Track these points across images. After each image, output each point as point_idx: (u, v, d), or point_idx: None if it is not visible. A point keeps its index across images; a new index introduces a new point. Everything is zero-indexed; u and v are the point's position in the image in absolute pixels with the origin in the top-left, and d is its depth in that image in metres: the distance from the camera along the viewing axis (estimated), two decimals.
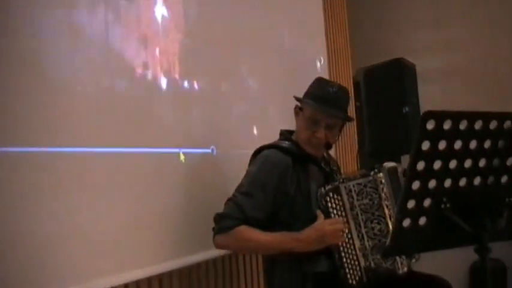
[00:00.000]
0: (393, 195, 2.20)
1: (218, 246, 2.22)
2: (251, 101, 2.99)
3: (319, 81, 2.37)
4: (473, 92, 4.88)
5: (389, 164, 2.25)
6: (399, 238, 1.38)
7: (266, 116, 3.10)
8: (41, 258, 1.73)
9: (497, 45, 4.93)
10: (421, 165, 1.33)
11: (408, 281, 2.23)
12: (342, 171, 2.63)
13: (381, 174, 2.17)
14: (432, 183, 1.36)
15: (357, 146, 4.61)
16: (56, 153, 1.80)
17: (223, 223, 2.14)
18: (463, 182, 1.41)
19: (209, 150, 2.57)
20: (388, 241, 1.40)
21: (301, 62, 3.59)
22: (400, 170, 2.29)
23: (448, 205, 1.40)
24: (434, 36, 5.27)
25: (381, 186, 2.16)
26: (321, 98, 2.24)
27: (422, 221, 1.40)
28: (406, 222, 1.37)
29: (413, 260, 2.26)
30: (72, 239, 1.84)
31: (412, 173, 1.32)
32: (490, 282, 1.49)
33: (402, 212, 1.36)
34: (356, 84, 3.48)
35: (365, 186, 2.17)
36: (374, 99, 3.39)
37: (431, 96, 4.50)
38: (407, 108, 3.25)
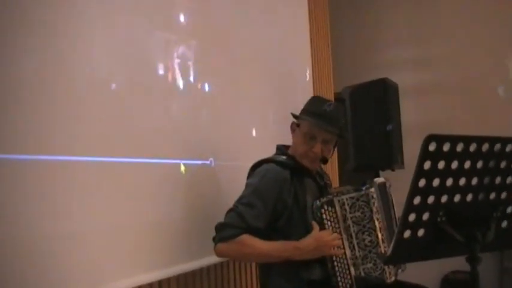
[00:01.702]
0: (383, 209, 2.35)
1: (220, 254, 2.31)
2: (247, 116, 3.12)
3: (315, 99, 2.52)
4: (452, 109, 5.09)
5: (379, 180, 2.40)
6: (400, 248, 1.52)
7: (261, 131, 3.23)
8: (42, 264, 1.80)
9: (477, 63, 5.14)
10: (422, 182, 1.47)
11: None
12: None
13: (372, 189, 2.31)
14: (431, 199, 1.50)
15: (337, 161, 4.78)
16: (58, 162, 1.88)
17: (225, 232, 2.24)
18: (457, 198, 1.55)
19: (208, 162, 2.68)
20: (390, 250, 1.53)
21: (291, 79, 3.75)
22: (388, 185, 2.45)
23: (444, 219, 1.55)
24: (414, 54, 5.48)
25: (372, 200, 2.29)
26: (318, 115, 2.38)
27: (420, 232, 1.54)
28: (407, 234, 1.51)
29: (400, 270, 2.41)
30: (74, 246, 1.92)
31: (414, 189, 1.46)
32: None
33: (404, 224, 1.50)
34: (341, 102, 3.62)
35: (357, 199, 2.31)
36: (359, 117, 3.54)
37: (412, 112, 4.69)
38: (390, 126, 3.40)
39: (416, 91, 5.31)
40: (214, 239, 2.29)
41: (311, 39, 4.39)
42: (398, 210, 2.45)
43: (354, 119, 3.53)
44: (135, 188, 2.23)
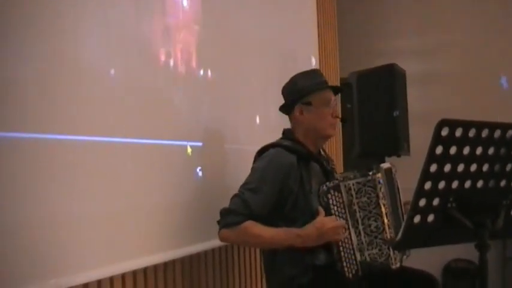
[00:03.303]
0: (389, 195, 2.34)
1: (223, 239, 2.32)
2: (254, 99, 3.12)
3: (302, 74, 2.51)
4: (457, 98, 5.08)
5: (385, 165, 2.39)
6: (410, 233, 1.52)
7: (267, 114, 3.22)
8: (46, 244, 1.78)
9: (482, 52, 5.13)
10: (433, 168, 1.46)
11: (400, 275, 2.37)
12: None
13: (379, 175, 2.29)
14: (442, 184, 1.49)
15: (342, 147, 4.77)
16: (64, 141, 1.87)
17: (229, 218, 2.24)
18: (467, 184, 1.54)
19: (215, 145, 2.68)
20: (400, 235, 1.53)
21: (297, 66, 3.72)
22: (394, 170, 2.43)
23: (453, 205, 1.54)
24: (419, 42, 5.46)
25: (379, 186, 2.28)
26: (320, 82, 2.45)
27: (430, 218, 1.53)
28: (417, 219, 1.51)
29: (405, 257, 2.40)
30: (79, 227, 1.91)
31: (425, 174, 1.45)
32: (485, 277, 1.62)
33: (414, 209, 1.49)
34: (347, 86, 3.60)
35: (364, 185, 2.30)
36: (365, 102, 3.52)
37: (417, 100, 4.67)
38: (397, 112, 3.38)
39: (422, 79, 5.28)
40: (218, 223, 2.28)
41: (318, 26, 4.37)
42: (403, 197, 2.45)
43: (360, 105, 3.50)
44: (139, 169, 2.22)
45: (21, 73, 1.73)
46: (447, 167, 1.47)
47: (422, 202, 1.49)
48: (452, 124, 1.42)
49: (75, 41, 1.94)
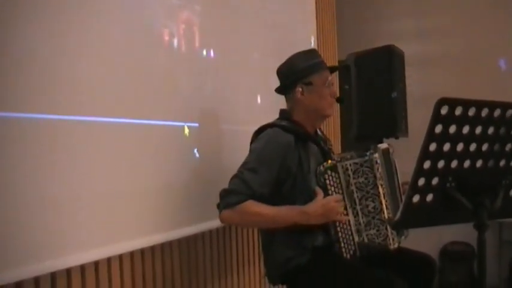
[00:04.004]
0: (386, 175, 2.32)
1: (225, 221, 2.28)
2: (253, 81, 3.10)
3: (300, 55, 2.49)
4: (456, 80, 5.06)
5: (383, 146, 2.38)
6: (409, 212, 1.51)
7: (266, 95, 3.19)
8: (44, 225, 1.78)
9: (481, 34, 5.10)
10: (432, 147, 1.44)
11: (398, 256, 2.37)
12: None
13: (376, 155, 2.28)
14: (441, 164, 1.48)
15: (340, 128, 4.75)
16: (61, 121, 1.85)
17: (230, 198, 2.20)
18: (467, 163, 1.53)
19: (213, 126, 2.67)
20: (398, 215, 1.52)
21: (296, 47, 3.70)
22: (391, 151, 2.42)
23: (452, 184, 1.53)
24: (418, 24, 5.42)
25: (376, 166, 2.27)
26: (319, 62, 2.45)
27: (429, 197, 1.52)
28: (416, 198, 1.50)
29: (403, 237, 2.40)
30: (76, 209, 1.90)
31: (424, 153, 1.44)
32: (483, 258, 1.61)
33: (413, 189, 1.48)
34: (345, 68, 3.56)
35: (361, 165, 2.28)
36: (363, 84, 3.47)
37: (415, 82, 4.65)
38: (395, 94, 3.34)
39: (421, 61, 5.26)
40: (218, 206, 2.24)
41: (316, 8, 4.35)
42: (402, 179, 2.44)
43: (358, 86, 3.46)
44: (136, 150, 2.20)
45: (23, 54, 1.72)
46: (446, 146, 1.46)
47: (421, 181, 1.48)
48: (452, 103, 1.41)
49: (76, 21, 1.92)
